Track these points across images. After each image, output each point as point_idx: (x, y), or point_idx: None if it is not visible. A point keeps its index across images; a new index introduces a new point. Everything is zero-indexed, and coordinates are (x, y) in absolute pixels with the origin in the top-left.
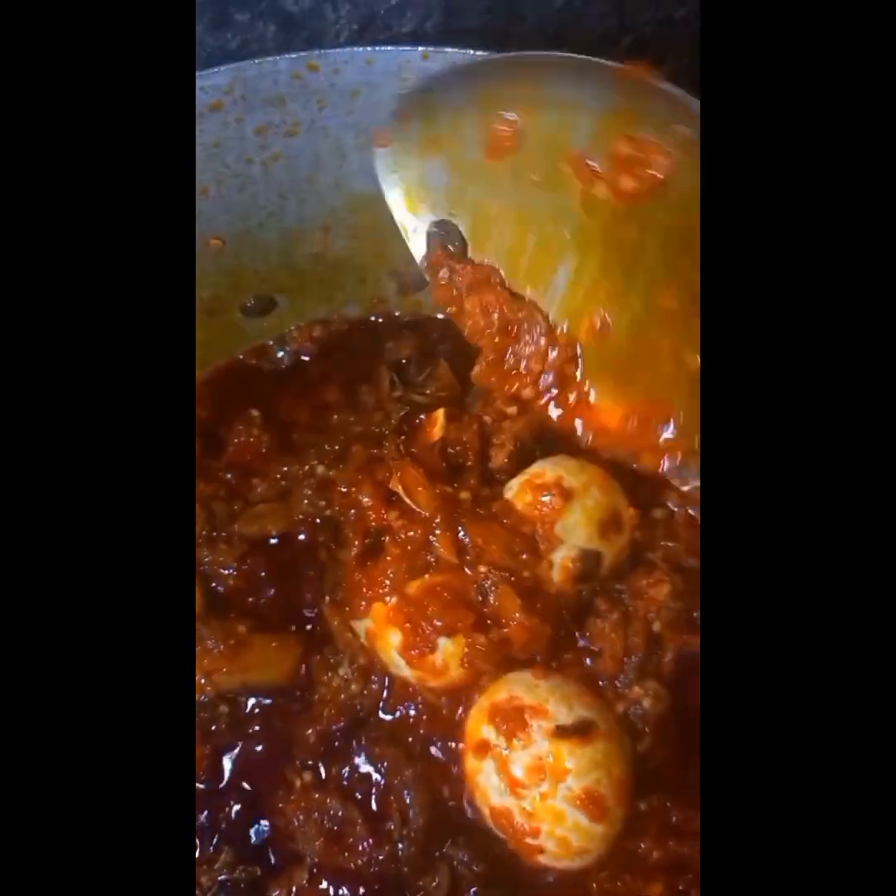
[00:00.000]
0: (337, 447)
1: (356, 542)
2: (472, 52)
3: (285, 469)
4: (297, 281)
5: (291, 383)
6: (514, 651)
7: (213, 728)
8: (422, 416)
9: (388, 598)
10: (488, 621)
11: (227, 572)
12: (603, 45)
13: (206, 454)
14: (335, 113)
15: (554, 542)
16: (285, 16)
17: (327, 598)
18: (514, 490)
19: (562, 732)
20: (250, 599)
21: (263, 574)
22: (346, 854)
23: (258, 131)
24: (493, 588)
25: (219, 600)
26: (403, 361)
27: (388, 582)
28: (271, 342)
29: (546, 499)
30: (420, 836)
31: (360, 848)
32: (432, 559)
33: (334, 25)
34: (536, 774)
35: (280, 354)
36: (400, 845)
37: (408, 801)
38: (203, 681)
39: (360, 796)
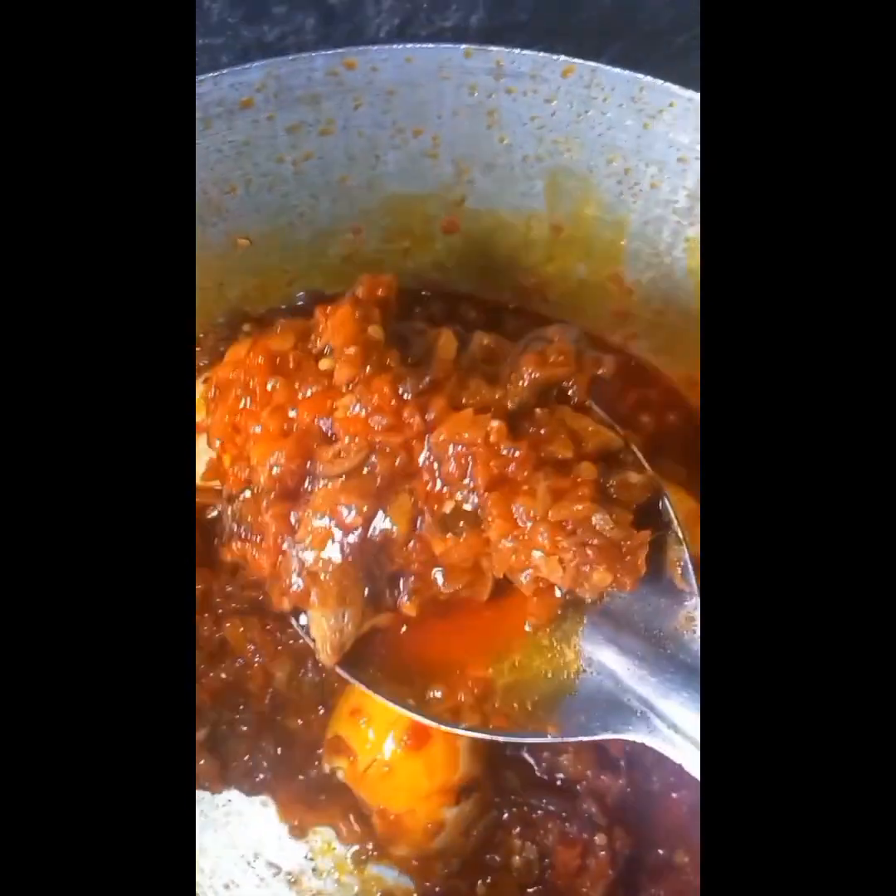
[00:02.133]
0: None
1: None
2: (517, 51)
3: None
4: (327, 282)
5: None
6: None
7: None
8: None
9: None
10: None
11: None
12: (657, 41)
13: None
14: (371, 112)
15: None
16: (325, 8)
17: None
18: None
19: None
20: None
21: None
22: None
23: (290, 130)
24: None
25: None
26: None
27: None
28: None
29: None
30: None
31: None
32: None
33: (375, 19)
34: None
35: None
36: None
37: None
38: None
39: None
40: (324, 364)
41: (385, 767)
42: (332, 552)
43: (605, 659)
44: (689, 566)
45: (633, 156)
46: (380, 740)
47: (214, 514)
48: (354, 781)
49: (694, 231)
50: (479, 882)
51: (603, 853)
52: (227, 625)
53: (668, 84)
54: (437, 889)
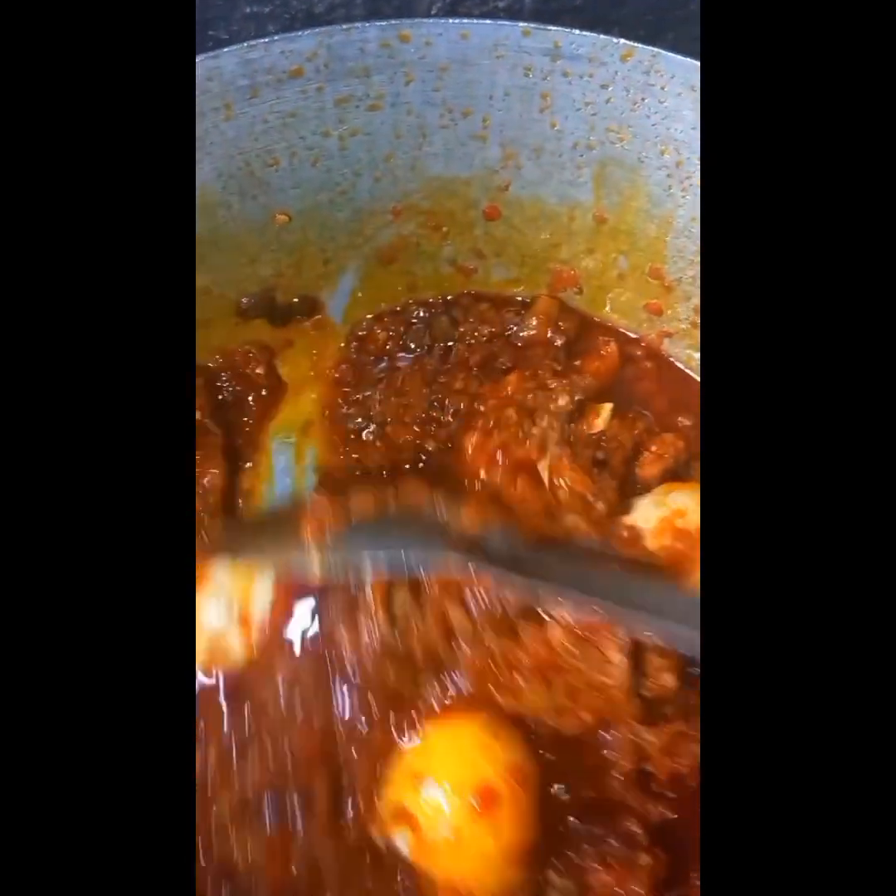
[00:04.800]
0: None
1: None
2: (576, 31)
3: None
4: (363, 262)
5: None
6: None
7: None
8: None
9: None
10: None
11: None
12: None
13: None
14: (421, 88)
15: None
16: None
17: None
18: (652, 524)
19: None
20: None
21: None
22: None
23: (339, 102)
24: None
25: None
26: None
27: None
28: None
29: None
30: None
31: None
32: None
33: None
34: None
35: None
36: None
37: None
38: None
39: None
40: None
41: (453, 834)
42: None
43: None
44: None
45: (685, 148)
46: (447, 805)
47: None
48: (419, 854)
49: None
50: None
51: (644, 877)
52: None
53: None
54: None
